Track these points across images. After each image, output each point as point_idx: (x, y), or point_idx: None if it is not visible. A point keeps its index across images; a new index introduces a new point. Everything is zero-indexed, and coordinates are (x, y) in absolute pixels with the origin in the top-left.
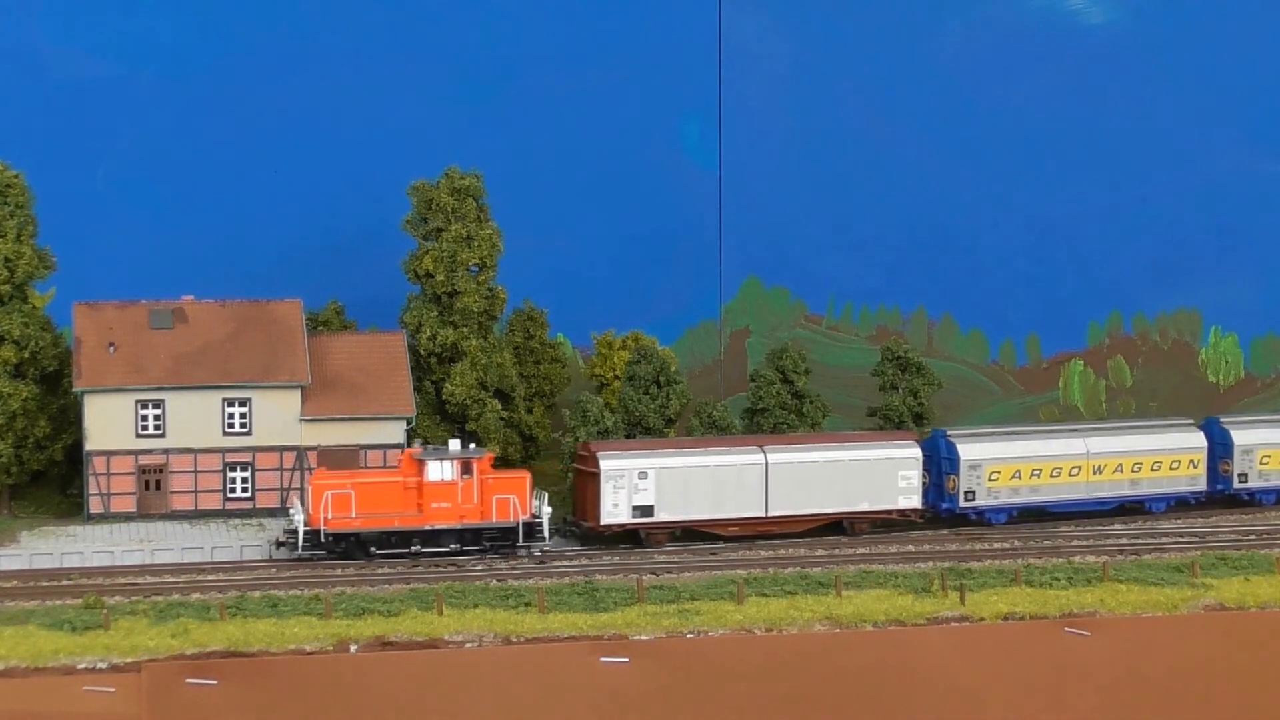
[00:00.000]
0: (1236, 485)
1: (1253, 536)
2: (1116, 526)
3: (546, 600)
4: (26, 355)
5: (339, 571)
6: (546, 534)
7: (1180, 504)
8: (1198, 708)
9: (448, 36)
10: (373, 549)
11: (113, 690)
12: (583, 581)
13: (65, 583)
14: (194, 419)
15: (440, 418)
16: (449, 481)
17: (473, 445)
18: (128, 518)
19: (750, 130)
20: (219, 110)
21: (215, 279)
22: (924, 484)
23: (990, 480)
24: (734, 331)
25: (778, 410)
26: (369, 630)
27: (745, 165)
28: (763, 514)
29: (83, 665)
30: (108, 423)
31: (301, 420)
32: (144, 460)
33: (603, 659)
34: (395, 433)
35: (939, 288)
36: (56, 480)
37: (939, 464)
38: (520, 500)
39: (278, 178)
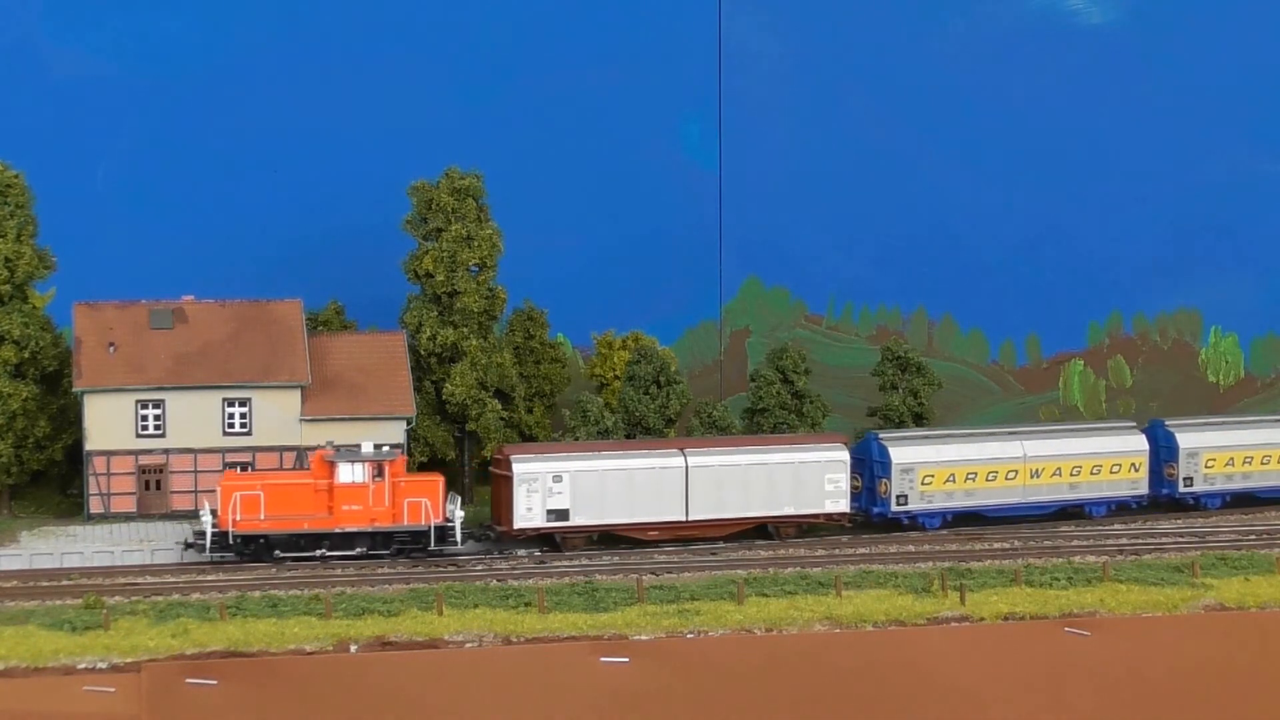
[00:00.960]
0: (1181, 489)
1: (1253, 536)
2: (1116, 527)
3: (546, 600)
4: (26, 355)
5: (339, 571)
6: (459, 538)
7: (1122, 508)
8: (1198, 708)
9: (448, 36)
10: (277, 552)
11: (113, 690)
12: (583, 581)
13: (65, 583)
14: (194, 419)
15: (440, 418)
16: (360, 484)
17: (386, 448)
18: (128, 518)
19: (750, 130)
20: (219, 110)
21: (215, 279)
22: (856, 487)
23: (924, 484)
24: (734, 331)
25: (778, 410)
26: (369, 630)
27: (745, 165)
28: (683, 518)
29: (83, 665)
30: (108, 423)
31: (302, 420)
32: (144, 460)
33: (603, 659)
34: (395, 433)
35: (939, 288)
36: (56, 480)
37: (871, 467)
38: (432, 503)
39: (278, 178)
